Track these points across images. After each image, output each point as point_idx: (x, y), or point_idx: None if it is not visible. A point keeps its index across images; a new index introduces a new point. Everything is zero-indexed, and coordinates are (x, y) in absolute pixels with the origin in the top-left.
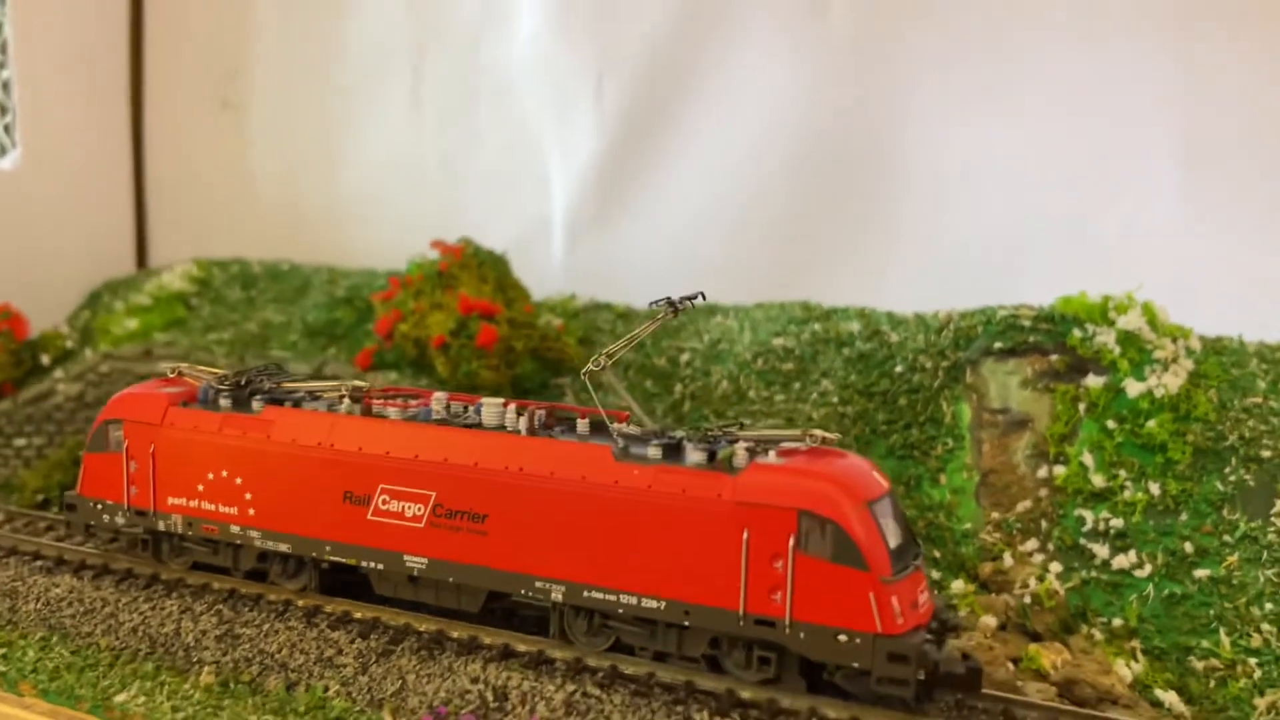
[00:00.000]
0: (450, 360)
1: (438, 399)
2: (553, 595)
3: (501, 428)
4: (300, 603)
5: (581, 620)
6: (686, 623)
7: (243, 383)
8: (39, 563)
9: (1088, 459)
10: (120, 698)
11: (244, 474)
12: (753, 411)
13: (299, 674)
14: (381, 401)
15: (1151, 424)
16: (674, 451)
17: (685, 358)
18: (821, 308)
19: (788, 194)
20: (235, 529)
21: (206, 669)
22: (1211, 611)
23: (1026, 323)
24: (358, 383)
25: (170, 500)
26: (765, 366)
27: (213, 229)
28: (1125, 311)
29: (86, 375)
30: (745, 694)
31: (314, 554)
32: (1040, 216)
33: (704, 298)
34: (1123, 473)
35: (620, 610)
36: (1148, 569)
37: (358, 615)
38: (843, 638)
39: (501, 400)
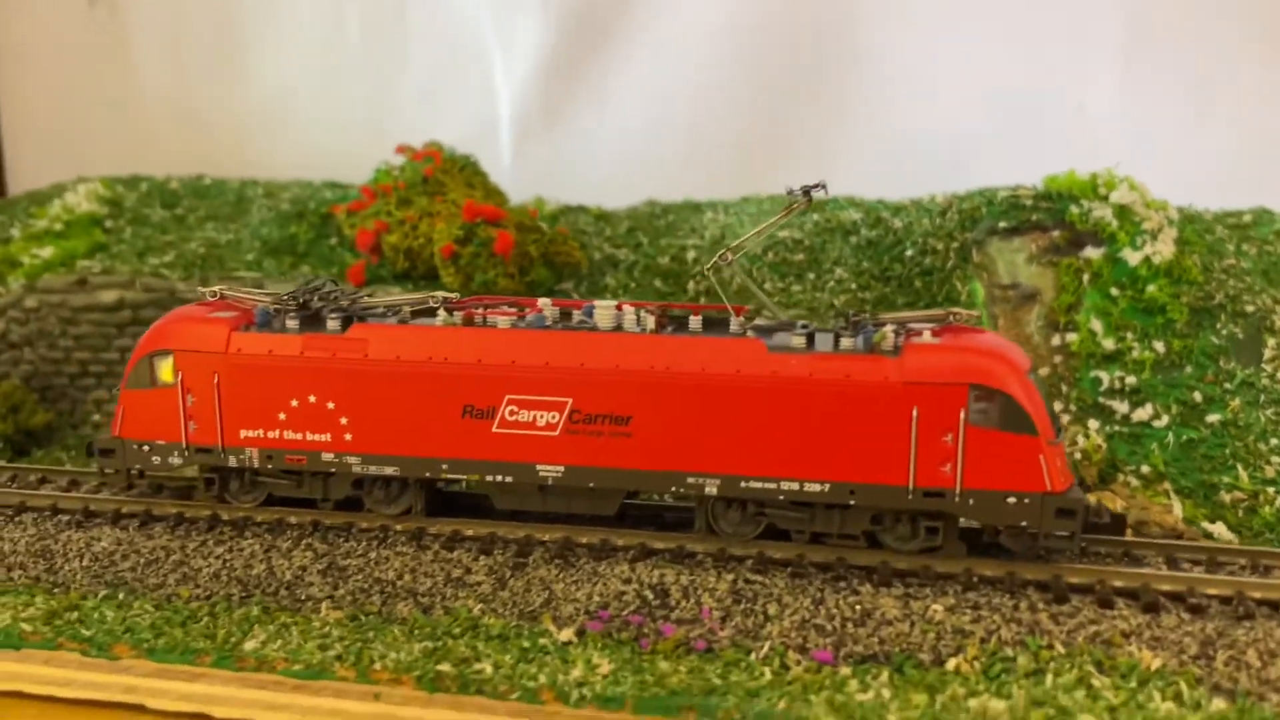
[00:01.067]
0: (461, 270)
1: (544, 304)
2: (706, 489)
3: (617, 329)
4: (399, 527)
5: (734, 511)
6: (851, 502)
7: (304, 302)
8: (62, 517)
9: (1096, 325)
10: (249, 645)
11: (337, 397)
12: (773, 302)
13: (430, 598)
14: (483, 311)
15: (1151, 289)
16: (826, 340)
17: (691, 255)
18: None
19: (746, 87)
20: (328, 457)
21: (325, 605)
22: (1227, 450)
23: (1028, 202)
24: (446, 294)
25: (243, 433)
26: (776, 259)
27: (90, 147)
28: (1114, 188)
29: (8, 312)
30: (901, 564)
31: (428, 474)
32: (995, 102)
33: (825, 188)
34: (1129, 335)
35: (780, 497)
36: (1165, 419)
37: (469, 533)
38: (1012, 500)
39: (614, 303)
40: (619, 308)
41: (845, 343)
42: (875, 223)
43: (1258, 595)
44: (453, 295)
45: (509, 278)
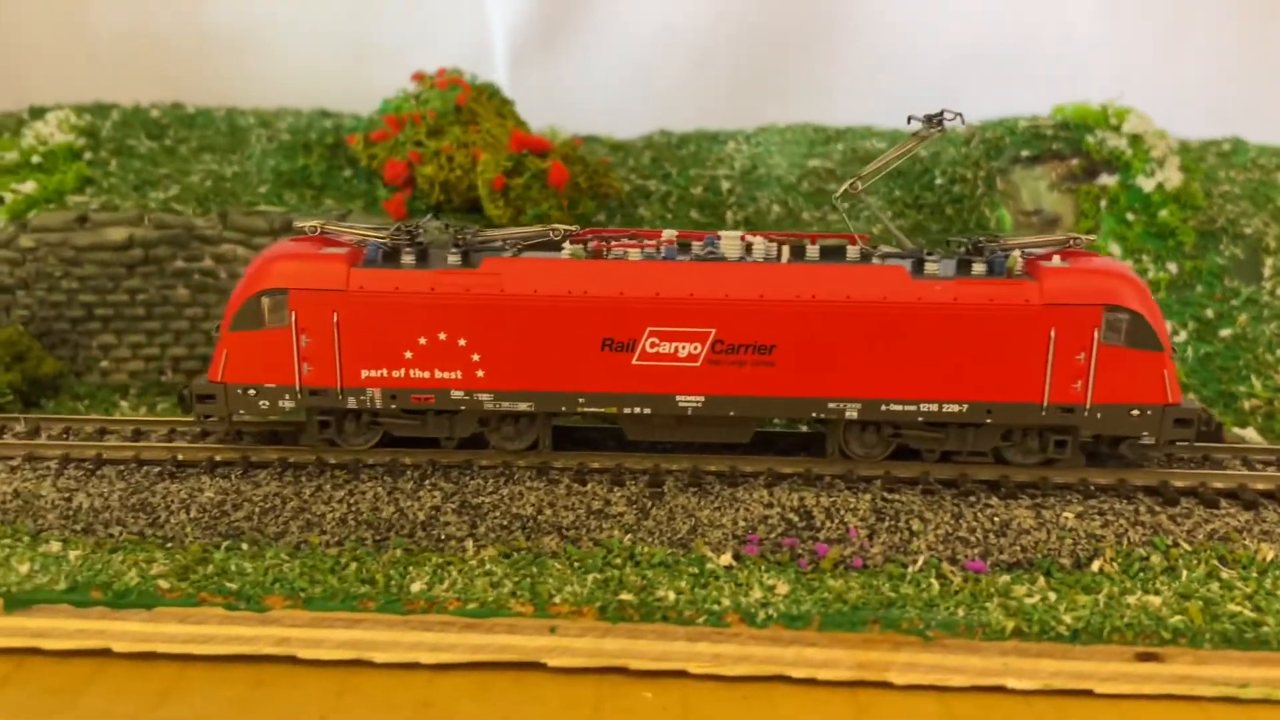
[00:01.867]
0: (511, 203)
1: (667, 235)
2: (847, 414)
3: (744, 259)
4: (522, 463)
5: (870, 434)
6: (988, 420)
7: (416, 238)
8: (151, 469)
9: (1114, 248)
10: (416, 587)
11: (469, 334)
12: (811, 229)
13: (576, 530)
14: (611, 244)
15: (1163, 213)
16: (963, 266)
17: (726, 185)
18: (832, 128)
19: (749, 13)
20: (457, 395)
21: (469, 543)
22: (1240, 362)
23: (1048, 131)
24: (567, 227)
25: (364, 373)
26: (811, 188)
27: (39, 73)
28: (1124, 118)
29: None
30: (1021, 477)
31: (563, 408)
32: (986, 33)
33: (963, 119)
34: (1144, 257)
35: (919, 419)
36: (1183, 335)
37: (596, 465)
38: (1135, 412)
39: (739, 233)
40: (743, 238)
41: (977, 268)
42: None
43: None
44: (571, 228)
45: (561, 210)
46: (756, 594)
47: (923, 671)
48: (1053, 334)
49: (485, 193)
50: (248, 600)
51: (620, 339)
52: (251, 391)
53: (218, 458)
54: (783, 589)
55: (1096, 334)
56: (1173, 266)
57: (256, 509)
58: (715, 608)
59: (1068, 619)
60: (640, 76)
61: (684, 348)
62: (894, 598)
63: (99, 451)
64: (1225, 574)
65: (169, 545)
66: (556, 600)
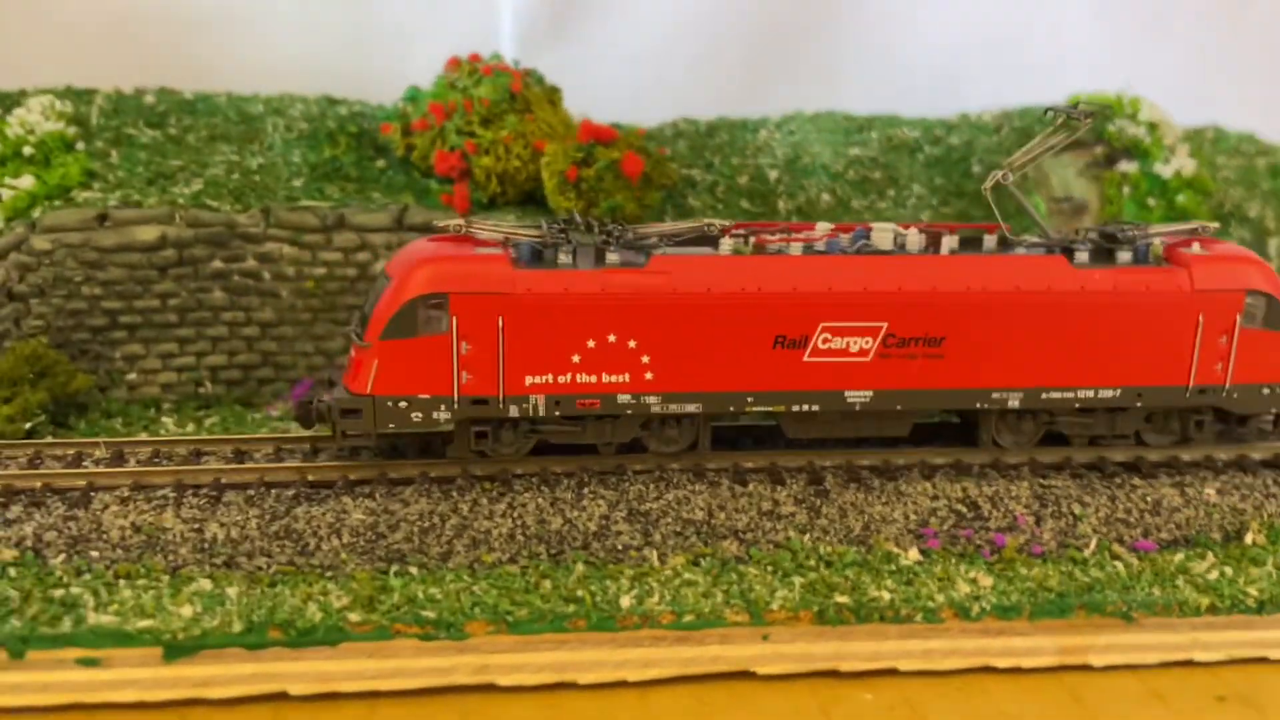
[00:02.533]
0: (583, 195)
1: (822, 227)
2: (1009, 403)
3: (899, 251)
4: (676, 466)
5: (1027, 421)
6: (1138, 404)
7: (555, 232)
8: (280, 491)
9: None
10: (626, 602)
11: (638, 335)
12: (864, 218)
13: (753, 533)
14: (773, 238)
15: (1181, 198)
16: (1107, 255)
17: (773, 174)
18: (860, 116)
19: (758, 7)
20: (624, 398)
21: (651, 552)
22: None
23: (1074, 121)
24: (721, 222)
25: (528, 380)
26: (857, 177)
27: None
28: (1138, 108)
29: (10, 255)
30: (1154, 457)
31: (732, 408)
32: (980, 24)
33: (1094, 115)
34: None
35: (1076, 405)
36: None
37: (749, 465)
38: (1266, 391)
39: (891, 225)
40: (898, 230)
41: (1123, 256)
42: (934, 140)
43: None
44: (725, 223)
45: (634, 202)
46: (964, 588)
47: (1120, 652)
48: (1201, 319)
49: (554, 184)
50: (448, 629)
51: (792, 336)
52: (403, 403)
53: (352, 476)
54: (986, 581)
55: (1239, 318)
56: None
57: (414, 529)
58: (930, 604)
59: (1253, 591)
60: (653, 61)
61: (856, 342)
62: (1091, 582)
63: (217, 476)
64: None
65: (328, 574)
66: (774, 607)
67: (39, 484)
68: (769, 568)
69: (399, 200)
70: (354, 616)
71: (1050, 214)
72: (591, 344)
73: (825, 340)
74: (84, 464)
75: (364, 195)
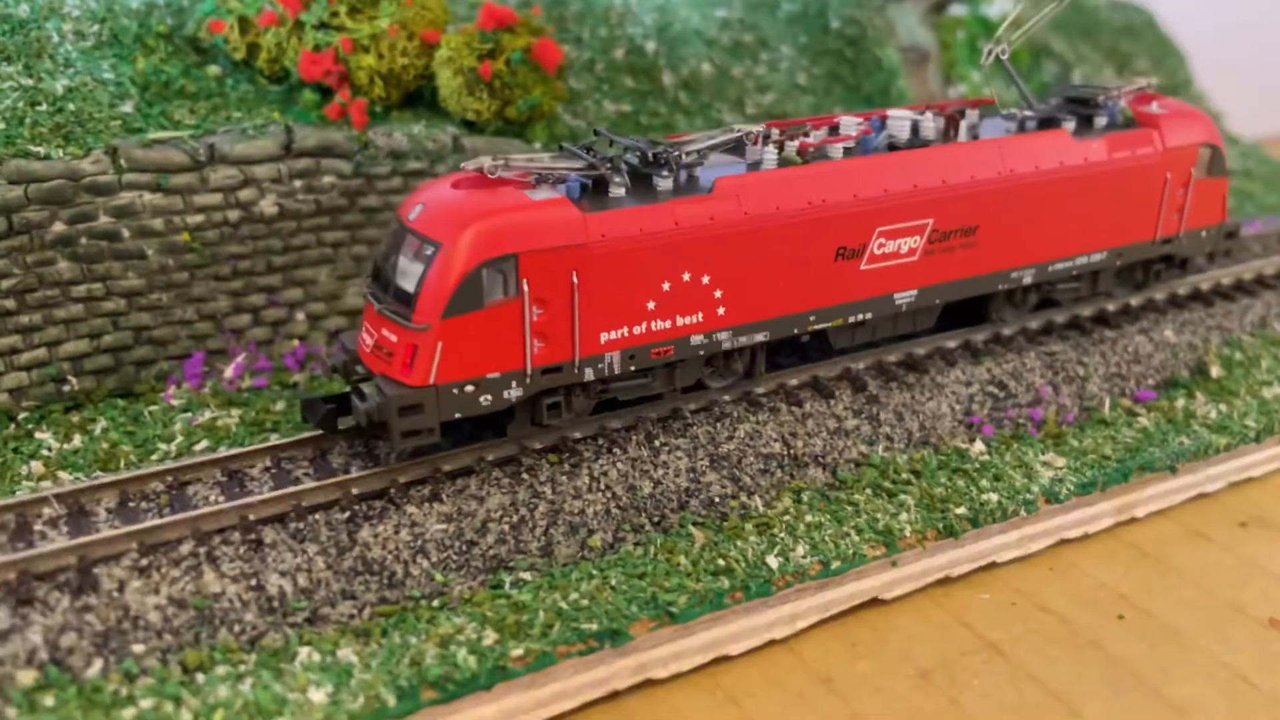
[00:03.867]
0: (496, 93)
1: (850, 124)
2: (1024, 280)
3: (918, 138)
4: (726, 398)
5: (1031, 294)
6: (1119, 262)
7: (602, 161)
8: (329, 515)
9: (977, 77)
10: (773, 561)
11: (711, 269)
12: (748, 88)
13: (832, 455)
14: (808, 142)
15: None
16: (1085, 121)
17: (650, 46)
18: None
19: None
20: (697, 339)
21: (754, 498)
22: None
23: None
24: (753, 127)
25: (604, 337)
26: (730, 42)
27: None
28: None
29: None
30: (1111, 307)
31: (795, 330)
32: None
33: None
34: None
35: (1074, 272)
36: None
37: (793, 382)
38: (1204, 233)
39: (906, 112)
40: (915, 114)
41: (1100, 121)
42: None
43: None
44: (756, 128)
45: (555, 96)
46: (1047, 473)
47: (1155, 500)
48: (1168, 176)
49: (459, 84)
50: (613, 636)
51: (852, 245)
52: (470, 388)
53: (403, 479)
54: (1059, 462)
55: (1193, 171)
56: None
57: (503, 527)
58: (1028, 496)
59: (1251, 423)
60: None
61: (906, 243)
62: (1135, 444)
63: (243, 514)
64: None
65: (437, 604)
66: (908, 533)
67: (13, 575)
68: (869, 490)
69: (261, 118)
70: (517, 650)
71: (903, 64)
72: (667, 286)
73: (880, 245)
74: (39, 532)
75: (220, 116)
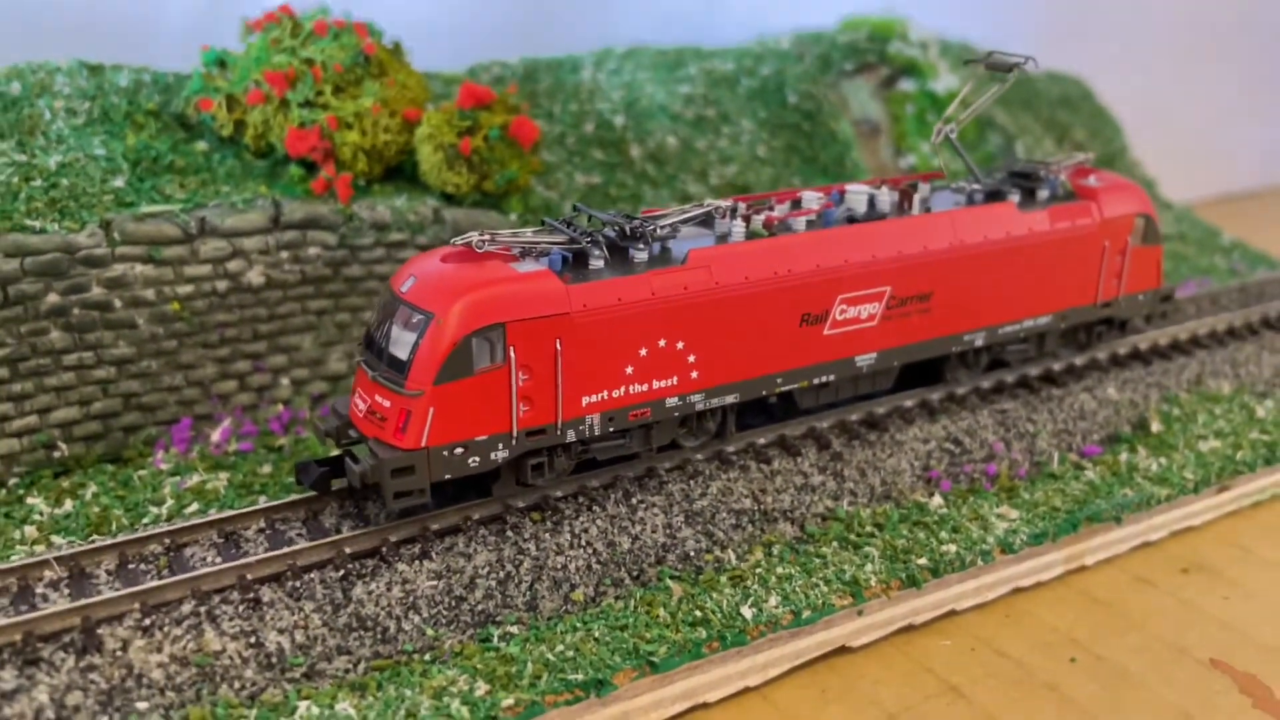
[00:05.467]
0: (475, 168)
1: (811, 198)
2: (976, 342)
3: (875, 211)
4: (699, 457)
5: (984, 356)
6: (1063, 325)
7: (582, 235)
8: (322, 574)
9: (926, 148)
10: (747, 612)
11: (685, 335)
12: (711, 160)
13: (799, 511)
14: (774, 215)
15: None
16: (1032, 195)
17: (619, 120)
18: (670, 49)
19: None
20: (672, 401)
21: (727, 551)
22: None
23: (863, 44)
24: (721, 202)
25: (585, 400)
26: (693, 116)
27: None
28: (902, 30)
29: None
30: (1056, 367)
31: (764, 392)
32: None
33: (1036, 63)
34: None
35: (1021, 335)
36: None
37: (762, 441)
38: (1141, 297)
39: (864, 183)
40: (871, 188)
41: (1042, 194)
42: (748, 71)
43: None
44: (725, 202)
45: (531, 171)
46: (1001, 525)
47: (1103, 549)
48: (1106, 244)
49: (439, 159)
50: (599, 686)
51: (816, 311)
52: (459, 450)
53: (393, 538)
54: (1013, 514)
55: (1130, 238)
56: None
57: (490, 582)
58: (985, 546)
59: (1189, 475)
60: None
61: (865, 309)
62: (1082, 496)
63: (241, 573)
64: (1217, 413)
65: (429, 657)
66: (873, 583)
67: (19, 636)
68: (835, 543)
69: (249, 192)
70: (508, 700)
71: (857, 136)
72: (644, 352)
73: (842, 311)
74: (41, 595)
75: (209, 191)
